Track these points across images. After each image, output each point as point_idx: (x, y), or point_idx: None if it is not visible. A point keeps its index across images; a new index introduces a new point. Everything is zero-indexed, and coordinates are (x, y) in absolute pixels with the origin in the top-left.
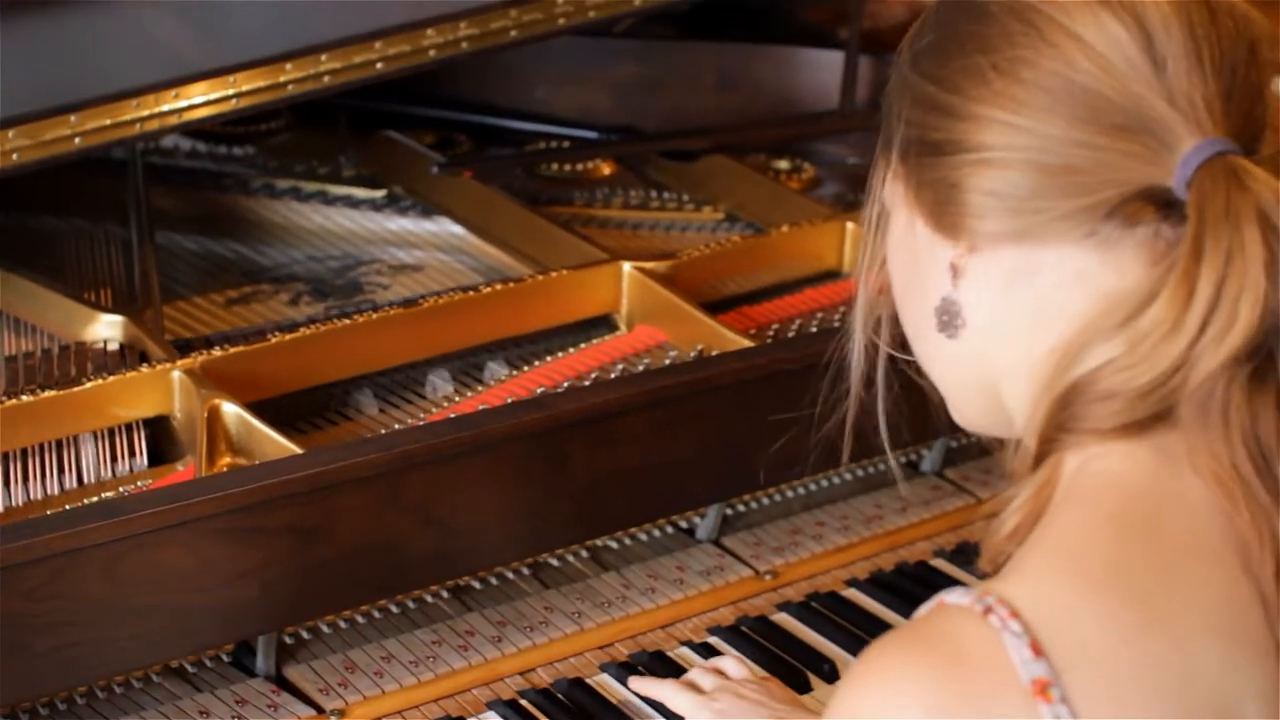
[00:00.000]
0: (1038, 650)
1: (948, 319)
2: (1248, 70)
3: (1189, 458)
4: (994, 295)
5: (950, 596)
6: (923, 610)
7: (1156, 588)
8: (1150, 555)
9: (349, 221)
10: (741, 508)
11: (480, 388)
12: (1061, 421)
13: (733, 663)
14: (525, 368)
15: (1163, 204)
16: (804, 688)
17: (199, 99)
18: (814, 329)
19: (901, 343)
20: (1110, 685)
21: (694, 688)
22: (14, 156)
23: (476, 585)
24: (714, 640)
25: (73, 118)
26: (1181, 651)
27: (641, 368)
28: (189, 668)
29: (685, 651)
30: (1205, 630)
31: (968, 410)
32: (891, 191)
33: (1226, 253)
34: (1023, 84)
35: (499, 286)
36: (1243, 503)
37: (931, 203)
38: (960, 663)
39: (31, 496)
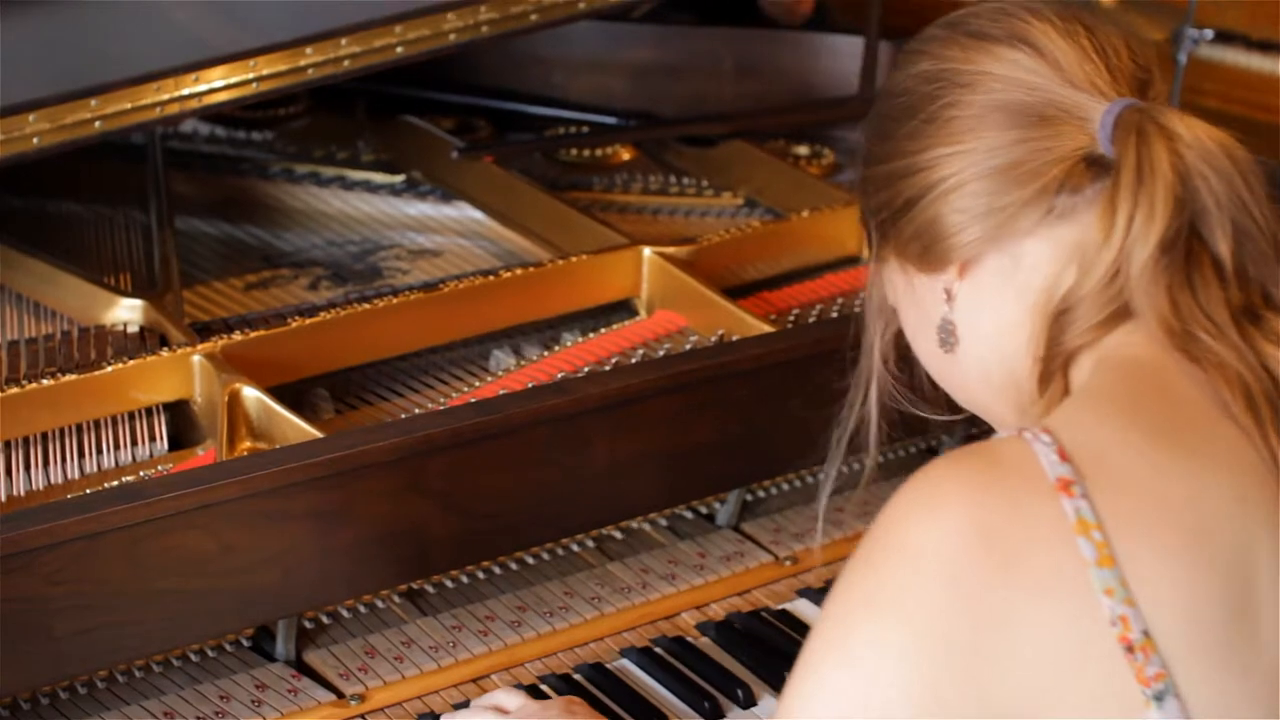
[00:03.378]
0: (1064, 456)
1: (945, 335)
2: (1119, 45)
3: (1160, 341)
4: (990, 302)
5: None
6: None
7: (1173, 430)
8: (1163, 405)
9: (368, 206)
10: (761, 493)
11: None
12: (1050, 344)
13: (508, 694)
14: (546, 353)
15: (1098, 165)
16: None
17: (219, 83)
18: (834, 314)
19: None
20: (1130, 497)
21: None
22: (34, 140)
23: (496, 570)
24: (737, 625)
25: (93, 101)
26: (1198, 483)
27: (662, 353)
28: (209, 652)
29: (705, 639)
30: (1217, 467)
31: (1004, 419)
32: (889, 280)
33: (1136, 169)
34: (954, 121)
35: (519, 271)
36: (1214, 369)
37: (918, 251)
38: (996, 464)
39: (52, 481)
